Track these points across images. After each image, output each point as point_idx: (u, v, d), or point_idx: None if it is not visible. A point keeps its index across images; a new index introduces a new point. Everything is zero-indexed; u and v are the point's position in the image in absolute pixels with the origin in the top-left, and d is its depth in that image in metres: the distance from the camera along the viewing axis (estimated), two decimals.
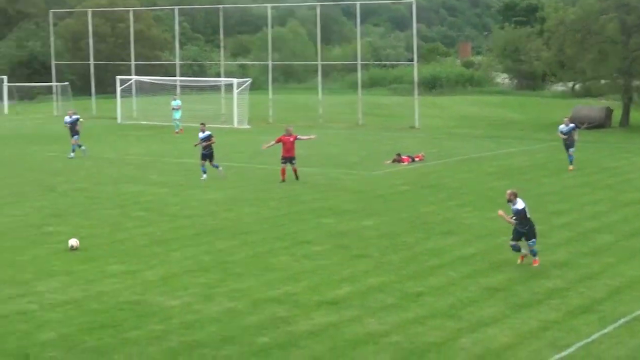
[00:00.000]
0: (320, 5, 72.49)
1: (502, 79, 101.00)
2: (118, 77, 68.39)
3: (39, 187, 35.35)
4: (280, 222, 28.08)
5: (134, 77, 70.12)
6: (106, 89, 78.43)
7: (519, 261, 22.28)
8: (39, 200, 32.41)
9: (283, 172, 35.88)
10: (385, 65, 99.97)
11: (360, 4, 66.66)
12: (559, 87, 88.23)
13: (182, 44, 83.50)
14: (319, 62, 68.05)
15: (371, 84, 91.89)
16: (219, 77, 72.14)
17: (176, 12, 75.53)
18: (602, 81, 65.15)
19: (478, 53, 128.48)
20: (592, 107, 64.32)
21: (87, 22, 77.00)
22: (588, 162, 41.82)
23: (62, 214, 29.51)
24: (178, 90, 68.05)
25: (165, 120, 60.53)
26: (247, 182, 36.33)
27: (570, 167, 39.16)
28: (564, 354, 16.07)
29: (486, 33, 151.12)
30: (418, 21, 65.70)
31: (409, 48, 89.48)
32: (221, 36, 72.34)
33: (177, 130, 57.00)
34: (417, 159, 42.41)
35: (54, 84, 76.86)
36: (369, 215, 29.00)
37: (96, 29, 79.13)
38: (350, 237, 25.74)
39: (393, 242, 24.97)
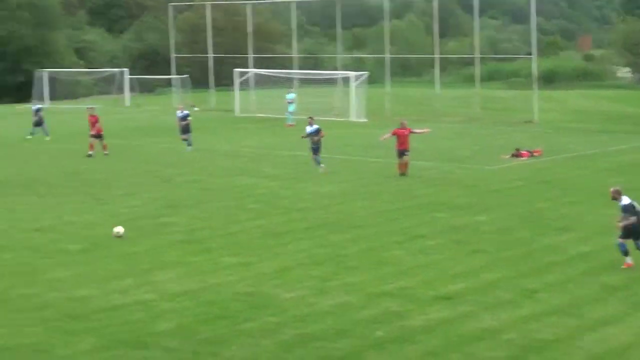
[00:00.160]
0: None
1: (624, 72, 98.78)
2: (236, 70, 69.10)
3: (155, 179, 35.99)
4: (394, 216, 27.98)
5: (252, 70, 70.77)
6: (221, 81, 79.46)
7: (624, 266, 21.27)
8: (155, 191, 32.97)
9: (400, 165, 35.77)
10: (502, 59, 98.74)
11: None
12: None
13: (299, 37, 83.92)
14: (437, 56, 67.57)
15: (488, 77, 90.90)
16: (335, 70, 72.24)
17: (293, 6, 75.97)
18: None
19: (599, 47, 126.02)
20: None
21: (205, 15, 78.05)
22: None
23: (177, 205, 29.98)
24: (294, 83, 68.41)
25: (279, 113, 60.89)
26: (360, 175, 36.28)
27: None
28: None
29: (607, 26, 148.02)
30: (537, 14, 64.45)
31: (526, 41, 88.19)
32: (338, 29, 72.43)
33: (288, 124, 57.26)
34: (535, 154, 41.78)
35: (173, 76, 78.20)
36: (483, 210, 28.66)
37: (214, 22, 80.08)
38: (464, 232, 25.51)
39: (508, 238, 24.67)
